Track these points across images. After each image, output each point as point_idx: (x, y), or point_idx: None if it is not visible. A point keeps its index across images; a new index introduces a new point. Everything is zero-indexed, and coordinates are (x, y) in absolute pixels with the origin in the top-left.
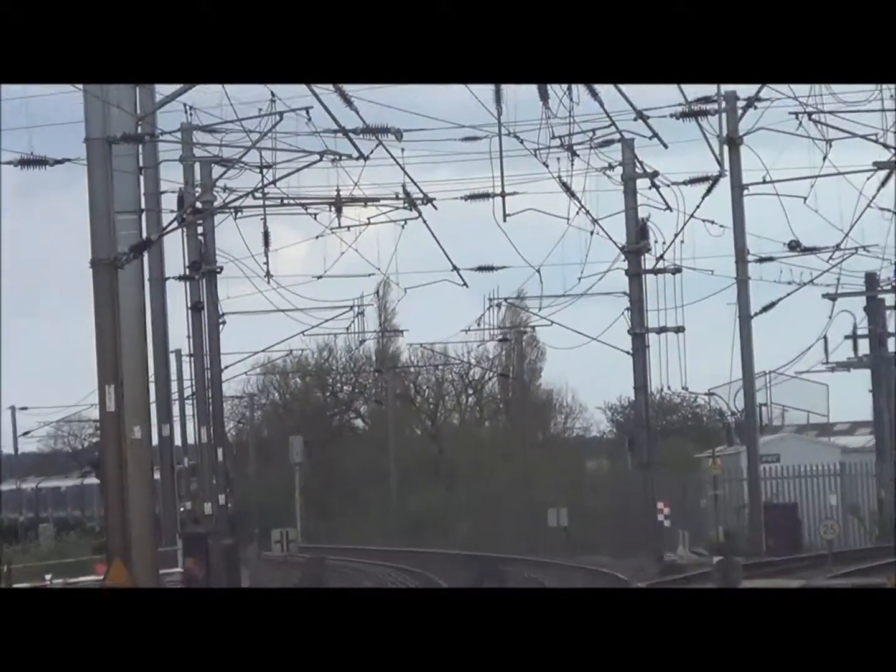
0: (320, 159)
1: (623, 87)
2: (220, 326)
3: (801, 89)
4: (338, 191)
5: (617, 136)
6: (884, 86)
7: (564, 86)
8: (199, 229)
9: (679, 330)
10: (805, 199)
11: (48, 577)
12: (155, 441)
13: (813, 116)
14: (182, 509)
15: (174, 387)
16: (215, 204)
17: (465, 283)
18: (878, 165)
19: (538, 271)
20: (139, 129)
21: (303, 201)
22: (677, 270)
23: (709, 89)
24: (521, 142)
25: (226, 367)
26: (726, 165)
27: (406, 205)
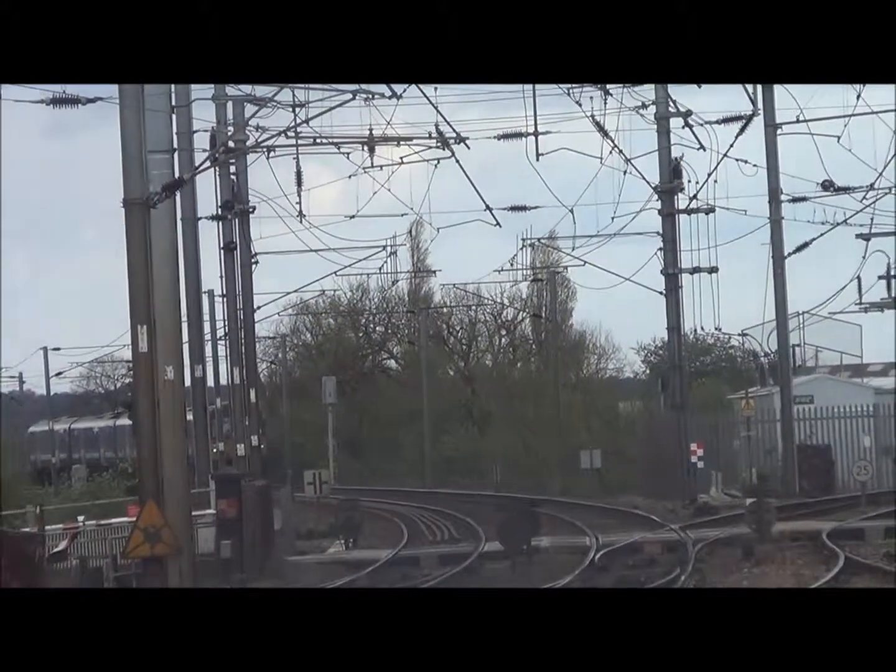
0: (353, 98)
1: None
2: (253, 266)
3: None
4: (370, 130)
5: None
6: None
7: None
8: (232, 169)
9: (712, 270)
10: (839, 138)
11: (81, 518)
12: (187, 382)
13: None
14: (215, 450)
15: (207, 327)
16: (248, 143)
17: (497, 223)
18: None
19: (571, 211)
20: None
21: (335, 140)
22: (710, 210)
23: None
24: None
25: (258, 308)
26: (760, 105)
27: (439, 144)
